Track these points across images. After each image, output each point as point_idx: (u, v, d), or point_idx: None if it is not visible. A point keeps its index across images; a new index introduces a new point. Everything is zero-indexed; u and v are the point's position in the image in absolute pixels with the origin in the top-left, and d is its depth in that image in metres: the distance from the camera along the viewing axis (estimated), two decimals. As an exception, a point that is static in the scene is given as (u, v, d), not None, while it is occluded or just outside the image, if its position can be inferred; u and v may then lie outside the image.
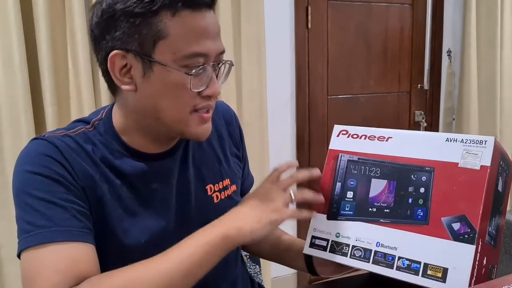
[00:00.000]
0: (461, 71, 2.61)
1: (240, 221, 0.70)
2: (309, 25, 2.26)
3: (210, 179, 0.86)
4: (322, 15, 2.31)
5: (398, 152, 0.76)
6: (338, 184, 0.79)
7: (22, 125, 1.58)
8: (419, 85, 2.64)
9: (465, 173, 0.70)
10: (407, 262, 0.70)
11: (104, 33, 0.71)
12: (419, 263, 0.69)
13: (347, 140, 0.82)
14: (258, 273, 1.15)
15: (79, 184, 0.72)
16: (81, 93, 1.67)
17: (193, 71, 0.69)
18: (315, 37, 2.30)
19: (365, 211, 0.76)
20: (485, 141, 0.70)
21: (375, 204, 0.75)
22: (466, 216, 0.68)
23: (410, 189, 0.74)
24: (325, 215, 0.79)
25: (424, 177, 0.73)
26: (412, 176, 0.74)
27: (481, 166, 0.69)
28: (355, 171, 0.79)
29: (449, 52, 2.67)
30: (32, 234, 0.67)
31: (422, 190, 0.73)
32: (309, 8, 2.24)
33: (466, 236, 0.66)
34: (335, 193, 0.79)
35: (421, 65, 2.63)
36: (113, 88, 0.77)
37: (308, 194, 0.77)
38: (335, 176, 0.80)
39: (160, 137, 0.79)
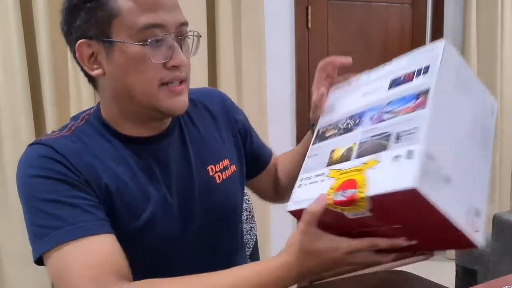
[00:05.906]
0: (461, 71, 2.61)
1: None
2: (309, 25, 2.26)
3: (210, 160, 0.87)
4: (322, 15, 2.31)
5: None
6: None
7: (22, 125, 1.58)
8: (419, 85, 2.64)
9: None
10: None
11: (69, 27, 0.74)
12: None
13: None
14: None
15: (82, 178, 0.72)
16: (81, 93, 1.67)
17: (148, 41, 0.70)
18: (315, 37, 2.30)
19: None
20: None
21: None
22: None
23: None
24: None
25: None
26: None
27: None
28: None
29: (449, 52, 2.67)
30: (50, 236, 0.67)
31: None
32: (309, 8, 2.25)
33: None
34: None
35: (421, 65, 2.63)
36: (92, 80, 0.79)
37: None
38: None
39: (146, 120, 0.79)
